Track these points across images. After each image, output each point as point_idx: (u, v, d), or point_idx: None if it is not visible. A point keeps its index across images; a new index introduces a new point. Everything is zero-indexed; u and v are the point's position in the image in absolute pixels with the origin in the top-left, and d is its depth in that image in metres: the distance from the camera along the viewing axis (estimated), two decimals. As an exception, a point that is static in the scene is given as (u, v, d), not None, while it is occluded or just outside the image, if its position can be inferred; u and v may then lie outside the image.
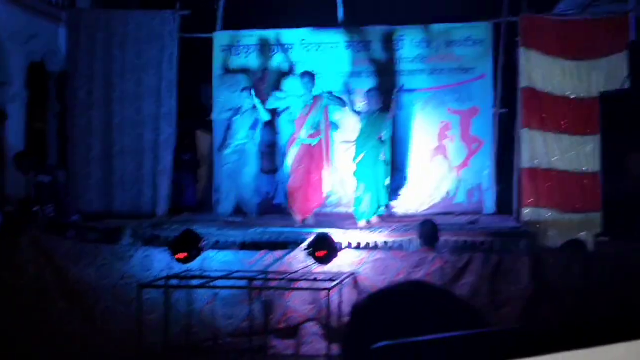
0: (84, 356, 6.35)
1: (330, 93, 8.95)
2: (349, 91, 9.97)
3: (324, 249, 6.39)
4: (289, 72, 10.29)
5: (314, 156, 8.75)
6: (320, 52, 10.39)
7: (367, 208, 8.68)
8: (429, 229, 7.10)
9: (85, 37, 10.31)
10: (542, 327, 0.75)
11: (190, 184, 10.86)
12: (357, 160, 8.83)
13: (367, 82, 9.98)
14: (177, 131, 10.31)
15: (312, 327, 6.51)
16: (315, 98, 8.81)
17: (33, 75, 9.90)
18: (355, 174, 8.89)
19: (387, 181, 9.05)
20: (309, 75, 8.94)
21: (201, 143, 12.10)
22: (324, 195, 9.03)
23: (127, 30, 10.26)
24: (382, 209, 9.07)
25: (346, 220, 8.78)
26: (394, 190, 10.04)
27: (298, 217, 8.66)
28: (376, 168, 8.79)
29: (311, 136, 8.73)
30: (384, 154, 8.94)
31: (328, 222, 8.67)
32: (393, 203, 10.00)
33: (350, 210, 9.12)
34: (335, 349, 5.85)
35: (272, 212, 9.82)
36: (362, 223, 8.54)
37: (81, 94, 10.26)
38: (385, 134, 8.94)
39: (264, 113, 9.09)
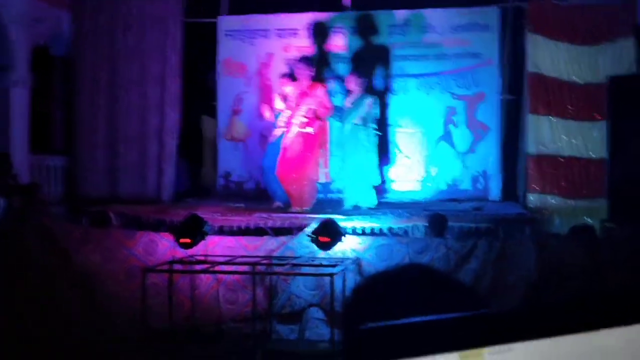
0: (88, 340, 6.36)
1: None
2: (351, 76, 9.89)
3: (328, 234, 6.37)
4: (294, 56, 10.23)
5: (308, 143, 8.61)
6: (325, 37, 10.33)
7: (357, 193, 8.70)
8: (438, 221, 7.07)
9: (89, 21, 10.27)
10: (542, 310, 0.72)
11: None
12: (344, 145, 8.84)
13: (372, 67, 9.95)
14: (182, 116, 10.29)
15: (316, 312, 6.51)
16: (311, 85, 8.71)
17: (37, 60, 9.86)
18: (342, 159, 8.87)
19: (374, 162, 8.90)
20: (305, 60, 8.86)
21: (206, 128, 12.08)
22: (318, 183, 8.98)
23: (130, 14, 10.21)
24: (373, 195, 8.98)
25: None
26: (398, 176, 10.05)
27: (295, 207, 8.48)
28: (359, 151, 8.71)
29: (306, 122, 8.63)
30: (371, 138, 8.83)
31: (331, 207, 8.64)
32: (398, 188, 10.02)
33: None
34: (339, 333, 5.85)
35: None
36: (353, 208, 8.55)
37: (85, 78, 10.24)
38: (369, 118, 8.83)
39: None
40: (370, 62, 10.13)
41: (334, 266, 6.13)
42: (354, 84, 8.85)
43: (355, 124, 8.71)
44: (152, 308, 6.32)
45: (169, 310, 6.28)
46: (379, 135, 9.05)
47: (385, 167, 9.92)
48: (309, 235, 6.57)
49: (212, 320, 6.67)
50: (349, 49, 10.28)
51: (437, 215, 7.21)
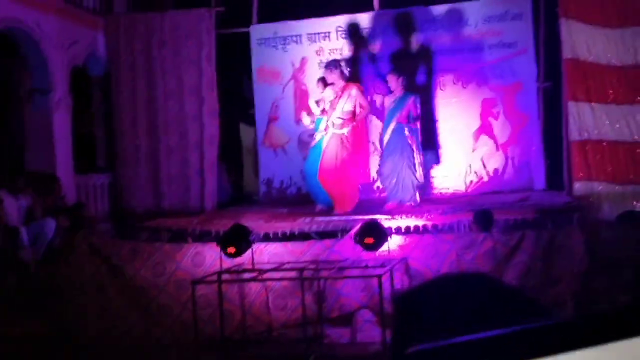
0: (142, 352, 6.45)
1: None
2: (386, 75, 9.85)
3: (373, 235, 6.35)
4: (327, 59, 10.24)
5: (347, 144, 8.62)
6: (357, 38, 10.33)
7: (400, 192, 8.69)
8: (484, 217, 7.02)
9: (124, 40, 10.44)
10: (588, 319, 0.71)
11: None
12: (384, 144, 8.83)
13: (409, 64, 9.92)
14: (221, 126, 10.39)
15: (366, 314, 6.50)
16: (345, 86, 8.67)
17: (76, 81, 10.06)
18: (382, 156, 8.91)
19: (417, 161, 8.86)
20: (335, 63, 8.82)
21: (245, 136, 12.19)
22: (359, 185, 8.99)
23: (164, 30, 10.35)
24: (416, 193, 8.96)
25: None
26: (441, 172, 9.98)
27: (338, 210, 8.47)
28: (403, 150, 8.69)
29: (342, 124, 8.61)
30: (411, 135, 8.80)
31: (374, 208, 8.62)
32: (441, 184, 9.96)
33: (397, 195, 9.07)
34: (390, 335, 5.82)
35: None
36: (396, 207, 8.50)
37: (124, 95, 10.42)
38: (411, 116, 8.82)
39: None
40: (407, 59, 10.09)
41: (380, 267, 6.11)
42: (394, 83, 8.83)
43: (398, 122, 8.68)
44: (203, 318, 6.39)
45: (220, 320, 6.33)
46: (419, 132, 9.01)
47: (427, 164, 9.86)
48: (353, 237, 6.57)
49: (263, 327, 6.70)
50: (383, 48, 10.25)
51: (483, 211, 7.14)
